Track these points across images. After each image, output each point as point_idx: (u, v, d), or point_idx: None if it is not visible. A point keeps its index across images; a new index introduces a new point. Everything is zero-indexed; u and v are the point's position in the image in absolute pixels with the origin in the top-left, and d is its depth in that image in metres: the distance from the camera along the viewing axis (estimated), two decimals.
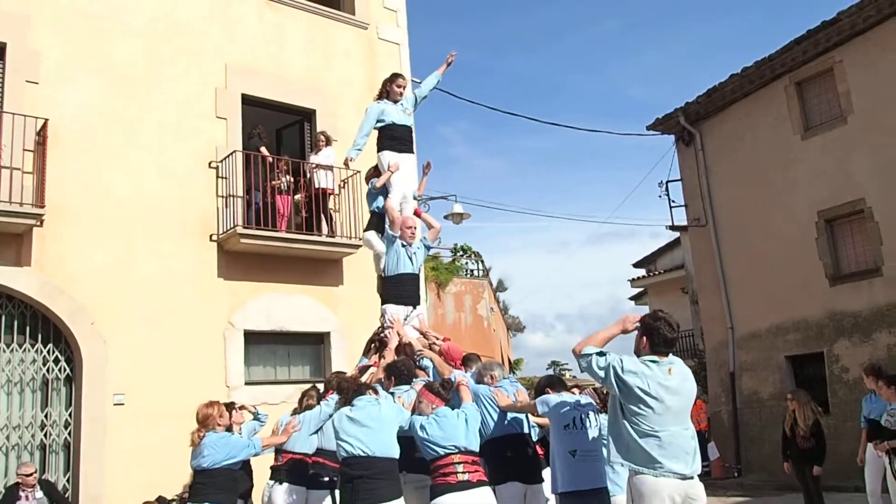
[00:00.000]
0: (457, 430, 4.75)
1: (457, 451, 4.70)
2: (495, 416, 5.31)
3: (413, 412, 4.99)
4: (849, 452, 8.20)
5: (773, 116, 14.80)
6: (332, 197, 10.88)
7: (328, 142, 10.76)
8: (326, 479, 6.05)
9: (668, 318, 4.18)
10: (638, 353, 4.22)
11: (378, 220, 6.83)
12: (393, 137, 6.80)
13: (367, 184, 7.05)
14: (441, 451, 4.69)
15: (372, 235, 6.84)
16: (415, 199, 7.00)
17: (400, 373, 5.51)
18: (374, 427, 4.57)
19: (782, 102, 14.63)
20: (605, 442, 5.61)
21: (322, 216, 10.72)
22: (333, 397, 5.14)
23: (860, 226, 13.36)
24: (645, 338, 4.19)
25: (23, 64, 9.08)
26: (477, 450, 4.85)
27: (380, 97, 7.04)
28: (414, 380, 5.59)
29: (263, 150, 10.56)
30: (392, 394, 5.29)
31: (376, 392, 4.89)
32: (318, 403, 5.92)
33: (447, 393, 5.02)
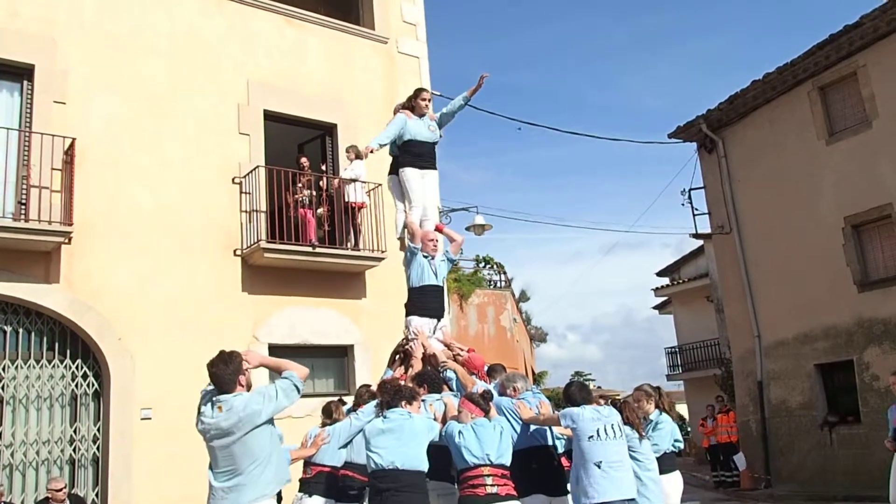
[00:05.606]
0: (491, 442, 4.75)
1: (488, 463, 4.69)
2: (518, 429, 5.29)
3: (445, 420, 4.99)
4: (882, 462, 8.03)
5: (797, 122, 14.64)
6: (360, 211, 10.92)
7: (358, 156, 10.81)
8: (354, 491, 6.04)
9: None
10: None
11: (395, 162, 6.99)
12: (415, 154, 6.78)
13: (394, 114, 7.07)
14: (472, 462, 4.69)
15: (392, 178, 6.96)
16: (439, 211, 7.00)
17: (432, 381, 5.51)
18: (404, 440, 4.56)
19: (806, 108, 14.48)
20: (633, 453, 5.58)
21: (350, 229, 10.78)
22: (363, 410, 5.12)
23: (888, 231, 13.15)
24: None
25: (50, 84, 9.25)
26: (508, 463, 4.83)
27: (404, 108, 7.04)
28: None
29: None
30: (423, 401, 5.28)
31: (411, 401, 4.85)
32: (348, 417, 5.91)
33: (486, 404, 5.03)
